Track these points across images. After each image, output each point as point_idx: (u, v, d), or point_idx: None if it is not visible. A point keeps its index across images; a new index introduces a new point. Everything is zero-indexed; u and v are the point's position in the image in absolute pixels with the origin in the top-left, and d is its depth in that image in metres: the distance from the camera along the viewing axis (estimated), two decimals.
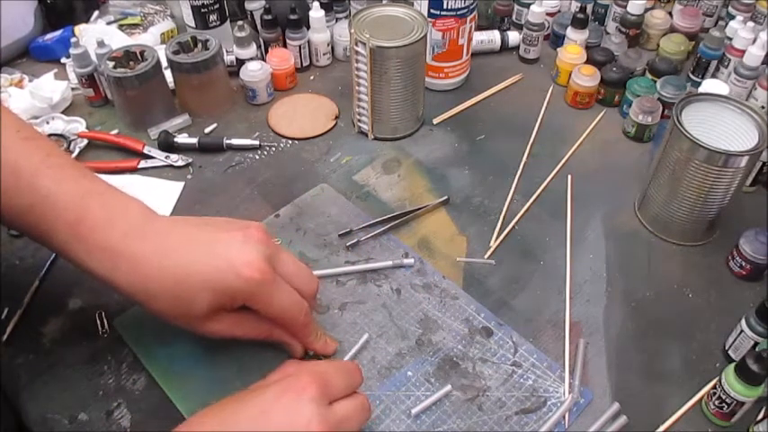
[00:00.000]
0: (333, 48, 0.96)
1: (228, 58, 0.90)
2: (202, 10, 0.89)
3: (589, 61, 0.90)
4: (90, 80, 0.85)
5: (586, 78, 0.86)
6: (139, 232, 0.50)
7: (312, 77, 0.95)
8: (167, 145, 0.80)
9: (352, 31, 0.75)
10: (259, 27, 0.95)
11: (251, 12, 0.98)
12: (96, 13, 1.01)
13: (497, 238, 0.71)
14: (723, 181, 0.64)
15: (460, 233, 0.72)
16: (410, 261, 0.67)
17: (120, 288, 0.50)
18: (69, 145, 0.80)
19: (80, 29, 0.94)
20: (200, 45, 0.84)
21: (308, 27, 0.93)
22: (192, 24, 0.90)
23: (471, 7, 0.84)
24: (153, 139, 0.82)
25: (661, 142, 0.68)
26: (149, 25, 0.99)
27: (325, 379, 0.46)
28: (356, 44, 0.75)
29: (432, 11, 0.82)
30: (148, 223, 0.51)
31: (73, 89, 0.88)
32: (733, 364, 0.53)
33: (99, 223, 0.49)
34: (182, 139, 0.81)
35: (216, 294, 0.50)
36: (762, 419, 0.52)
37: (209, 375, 0.58)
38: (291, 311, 0.53)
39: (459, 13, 0.83)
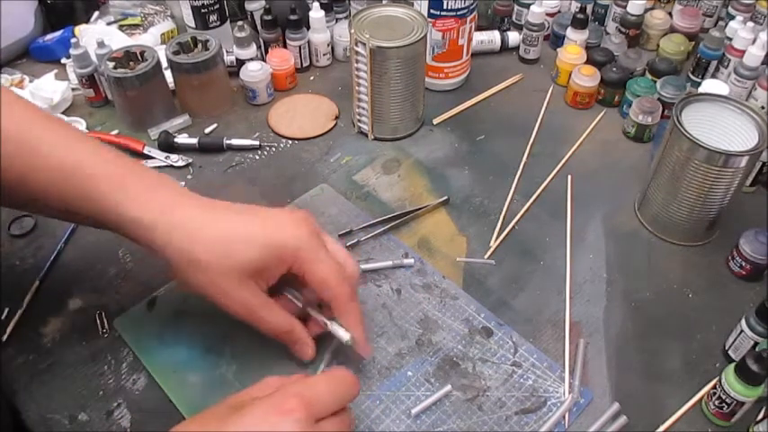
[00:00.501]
0: (333, 48, 0.96)
1: (228, 59, 0.90)
2: (202, 10, 0.89)
3: (589, 61, 0.90)
4: (90, 80, 0.85)
5: (586, 78, 0.86)
6: (180, 194, 0.52)
7: (312, 78, 0.95)
8: (167, 145, 0.80)
9: (352, 31, 0.75)
10: (259, 27, 0.95)
11: (251, 12, 0.98)
12: (96, 13, 1.01)
13: (497, 238, 0.71)
14: (723, 181, 0.64)
15: (460, 233, 0.72)
16: (410, 261, 0.67)
17: (162, 239, 0.50)
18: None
19: (80, 29, 0.94)
20: (200, 45, 0.84)
21: (308, 27, 0.93)
22: (192, 25, 0.90)
23: (471, 7, 0.84)
24: (153, 139, 0.82)
25: (661, 142, 0.68)
26: (149, 26, 0.99)
27: (313, 399, 0.44)
28: (356, 44, 0.75)
29: (432, 11, 0.82)
30: (186, 191, 0.53)
31: (73, 90, 0.88)
32: (733, 364, 0.53)
33: (144, 181, 0.51)
34: (182, 139, 0.81)
35: (263, 250, 0.50)
36: (762, 419, 0.52)
37: (209, 375, 0.58)
38: (337, 279, 0.52)
39: (459, 13, 0.83)
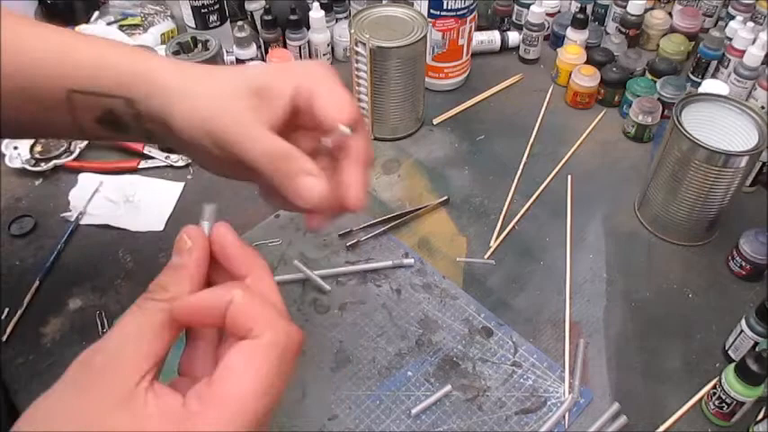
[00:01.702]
0: (333, 48, 0.96)
1: (228, 59, 0.90)
2: (202, 10, 0.89)
3: (589, 61, 0.90)
4: None
5: (586, 78, 0.86)
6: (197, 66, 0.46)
7: None
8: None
9: (352, 31, 0.75)
10: (259, 27, 0.95)
11: (251, 12, 0.98)
12: (96, 13, 1.01)
13: (497, 238, 0.71)
14: (723, 181, 0.64)
15: (460, 233, 0.72)
16: (410, 261, 0.67)
17: (186, 85, 0.43)
18: (70, 145, 0.80)
19: (80, 29, 0.94)
20: (200, 45, 0.84)
21: (308, 27, 0.93)
22: (192, 25, 0.90)
23: (471, 7, 0.84)
24: None
25: (661, 142, 0.68)
26: (149, 26, 0.99)
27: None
28: (356, 44, 0.75)
29: (432, 11, 0.82)
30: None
31: None
32: (733, 364, 0.53)
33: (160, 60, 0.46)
34: None
35: (269, 67, 0.45)
36: (762, 419, 0.52)
37: None
38: (351, 100, 0.43)
39: (459, 13, 0.83)
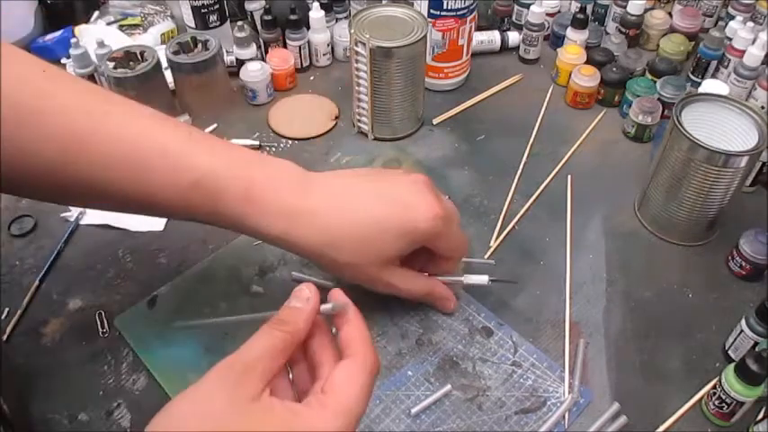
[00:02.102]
0: (333, 48, 0.96)
1: (228, 59, 0.90)
2: (202, 10, 0.89)
3: (589, 61, 0.90)
4: (90, 80, 0.85)
5: (586, 78, 0.86)
6: (306, 187, 0.52)
7: (312, 78, 0.95)
8: None
9: (352, 31, 0.75)
10: (259, 27, 0.95)
11: (251, 12, 0.98)
12: (96, 13, 1.01)
13: (497, 238, 0.71)
14: (723, 181, 0.64)
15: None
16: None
17: (299, 244, 0.51)
18: None
19: (80, 29, 0.94)
20: (200, 45, 0.84)
21: (308, 27, 0.93)
22: (192, 25, 0.90)
23: (471, 7, 0.84)
24: None
25: (661, 142, 0.68)
26: (149, 26, 0.99)
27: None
28: (356, 44, 0.75)
29: (432, 11, 0.82)
30: (309, 179, 0.53)
31: None
32: (733, 364, 0.53)
33: (267, 185, 0.50)
34: None
35: (399, 241, 0.53)
36: (762, 419, 0.52)
37: None
38: (465, 244, 0.60)
39: (459, 13, 0.83)
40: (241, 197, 0.49)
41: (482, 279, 0.61)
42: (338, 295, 0.44)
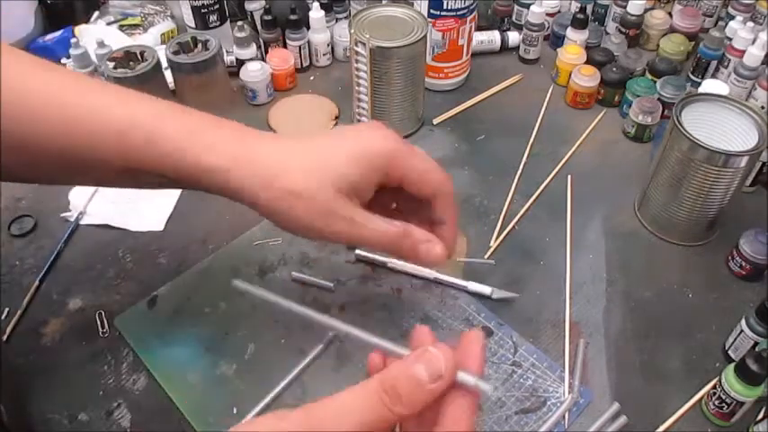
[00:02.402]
0: (333, 48, 0.96)
1: (228, 59, 0.90)
2: (202, 10, 0.89)
3: (589, 61, 0.90)
4: None
5: (586, 78, 0.86)
6: (251, 128, 0.48)
7: (312, 78, 0.95)
8: None
9: (352, 31, 0.75)
10: (259, 27, 0.95)
11: (251, 12, 0.98)
12: (96, 13, 1.01)
13: (497, 238, 0.71)
14: (723, 181, 0.64)
15: (460, 233, 0.72)
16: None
17: (248, 177, 0.45)
18: None
19: (80, 29, 0.94)
20: (200, 45, 0.84)
21: (308, 27, 0.93)
22: (192, 25, 0.90)
23: (471, 7, 0.84)
24: None
25: (661, 142, 0.68)
26: (149, 26, 0.99)
27: None
28: (356, 44, 0.75)
29: (432, 11, 0.82)
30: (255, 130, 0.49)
31: None
32: (733, 364, 0.53)
33: (209, 121, 0.47)
34: None
35: (357, 162, 0.46)
36: (762, 419, 0.52)
37: (209, 375, 0.58)
38: (439, 169, 0.50)
39: (459, 13, 0.83)
40: (181, 129, 0.45)
41: (486, 289, 0.62)
42: (476, 348, 0.36)
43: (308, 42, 0.93)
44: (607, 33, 1.00)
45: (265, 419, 0.32)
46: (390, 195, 0.51)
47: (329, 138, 0.49)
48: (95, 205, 0.73)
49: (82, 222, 0.72)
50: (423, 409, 0.32)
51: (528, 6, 0.95)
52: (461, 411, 0.33)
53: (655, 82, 0.84)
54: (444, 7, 0.82)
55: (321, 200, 0.45)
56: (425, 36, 0.76)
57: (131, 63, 0.81)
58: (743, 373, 0.51)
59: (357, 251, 0.61)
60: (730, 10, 0.96)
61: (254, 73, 0.86)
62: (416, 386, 0.31)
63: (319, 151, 0.47)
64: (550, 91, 0.91)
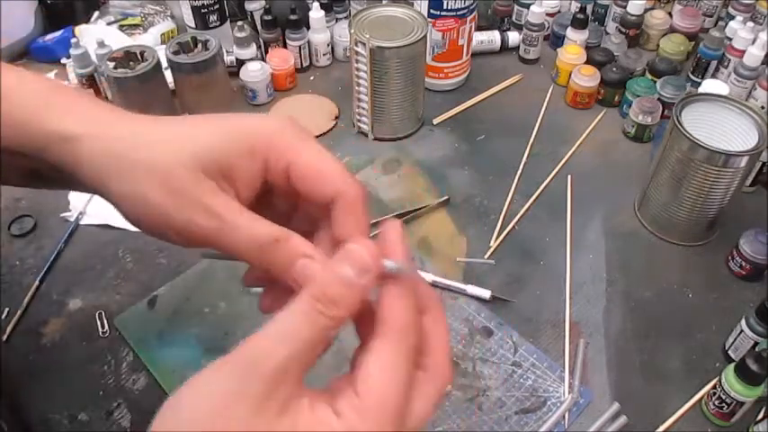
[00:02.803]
0: (333, 48, 0.96)
1: (228, 59, 0.90)
2: (202, 10, 0.89)
3: (589, 61, 0.90)
4: (90, 80, 0.85)
5: (586, 78, 0.86)
6: (119, 110, 0.39)
7: (312, 78, 0.95)
8: None
9: (352, 31, 0.75)
10: (259, 27, 0.95)
11: (251, 12, 0.98)
12: (96, 13, 1.01)
13: (497, 238, 0.71)
14: (723, 181, 0.64)
15: (460, 233, 0.72)
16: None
17: (101, 153, 0.35)
18: None
19: (80, 29, 0.94)
20: (200, 45, 0.84)
21: (308, 27, 0.93)
22: (192, 25, 0.90)
23: (471, 7, 0.84)
24: None
25: (661, 142, 0.68)
26: (149, 26, 0.99)
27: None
28: (356, 44, 0.75)
29: (432, 11, 0.82)
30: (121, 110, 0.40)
31: None
32: (733, 364, 0.53)
33: (68, 91, 0.39)
34: None
35: (226, 135, 0.36)
36: (762, 419, 0.52)
37: None
38: (337, 165, 0.35)
39: (459, 13, 0.83)
40: (39, 88, 0.38)
41: (485, 293, 0.62)
42: (393, 234, 0.32)
43: (308, 42, 0.93)
44: (607, 33, 1.00)
45: (205, 375, 0.29)
46: (284, 202, 0.39)
47: (204, 116, 0.38)
48: (95, 205, 0.73)
49: (82, 222, 0.72)
50: (362, 309, 0.31)
51: (528, 6, 0.95)
52: (392, 298, 0.31)
53: (655, 82, 0.84)
54: (444, 7, 0.82)
55: (178, 175, 0.34)
56: (425, 36, 0.76)
57: (131, 63, 0.81)
58: (743, 373, 0.51)
59: None
60: (730, 10, 0.96)
61: (254, 73, 0.86)
62: (347, 286, 0.30)
63: (186, 123, 0.37)
64: (550, 91, 0.91)
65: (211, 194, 0.34)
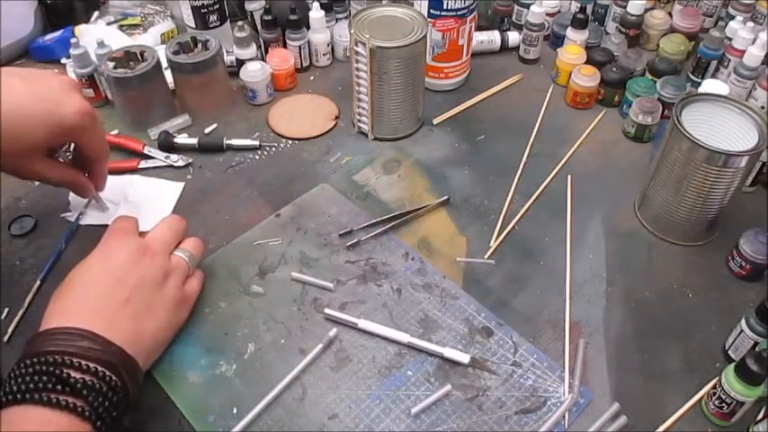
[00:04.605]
0: (333, 48, 0.96)
1: (228, 59, 0.90)
2: (202, 10, 0.89)
3: (589, 61, 0.90)
4: (90, 80, 0.85)
5: (586, 78, 0.86)
6: None
7: (312, 78, 0.95)
8: (167, 145, 0.80)
9: (352, 31, 0.75)
10: (259, 27, 0.95)
11: (251, 12, 0.98)
12: (96, 13, 1.01)
13: (497, 238, 0.71)
14: (723, 181, 0.64)
15: (460, 233, 0.72)
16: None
17: None
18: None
19: (80, 29, 0.94)
20: (200, 45, 0.84)
21: (308, 27, 0.93)
22: (192, 25, 0.90)
23: (471, 7, 0.84)
24: (153, 139, 0.82)
25: (661, 142, 0.68)
26: (149, 26, 0.99)
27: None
28: (356, 44, 0.75)
29: (432, 11, 0.82)
30: None
31: None
32: (733, 364, 0.53)
33: None
34: (182, 139, 0.81)
35: (50, 132, 0.57)
36: (762, 419, 0.52)
37: (209, 375, 0.58)
38: (106, 147, 0.66)
39: (459, 13, 0.83)
40: None
41: (464, 358, 0.58)
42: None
43: (308, 42, 0.94)
44: (607, 33, 1.00)
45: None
46: (79, 154, 0.66)
47: (33, 104, 0.56)
48: (95, 205, 0.73)
49: (82, 222, 0.72)
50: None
51: (528, 6, 0.95)
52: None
53: (655, 82, 0.85)
54: (444, 7, 0.82)
55: (17, 160, 0.58)
56: (425, 36, 0.76)
57: (131, 63, 0.81)
58: (743, 373, 0.51)
59: (326, 310, 0.63)
60: (730, 10, 0.96)
61: (254, 73, 0.86)
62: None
63: (21, 117, 0.55)
64: (550, 91, 0.91)
65: (37, 166, 0.61)
